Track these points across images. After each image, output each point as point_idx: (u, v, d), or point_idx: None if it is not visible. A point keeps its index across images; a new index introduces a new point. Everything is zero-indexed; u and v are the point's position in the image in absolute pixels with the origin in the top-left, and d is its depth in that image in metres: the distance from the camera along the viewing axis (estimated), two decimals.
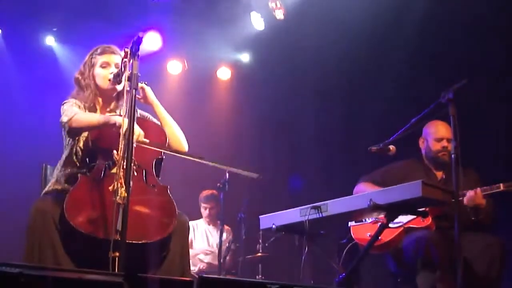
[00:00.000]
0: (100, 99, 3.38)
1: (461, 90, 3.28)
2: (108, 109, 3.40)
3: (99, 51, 3.38)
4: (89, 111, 3.32)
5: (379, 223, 3.90)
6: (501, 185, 3.79)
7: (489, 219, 3.93)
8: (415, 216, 3.87)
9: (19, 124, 6.36)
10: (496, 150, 5.50)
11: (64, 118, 3.12)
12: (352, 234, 4.14)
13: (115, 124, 3.02)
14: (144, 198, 3.02)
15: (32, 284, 1.96)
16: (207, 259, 6.26)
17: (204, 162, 3.15)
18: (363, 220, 4.09)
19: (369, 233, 3.99)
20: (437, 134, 4.22)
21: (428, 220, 3.92)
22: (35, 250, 2.86)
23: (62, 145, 3.32)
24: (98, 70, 3.33)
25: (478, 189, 3.84)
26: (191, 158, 3.12)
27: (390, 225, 3.84)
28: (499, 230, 4.09)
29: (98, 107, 3.37)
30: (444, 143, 4.16)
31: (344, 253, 4.11)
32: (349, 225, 4.16)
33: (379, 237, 3.58)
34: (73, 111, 3.14)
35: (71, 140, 3.24)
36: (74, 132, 3.18)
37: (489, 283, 3.67)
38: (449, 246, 3.68)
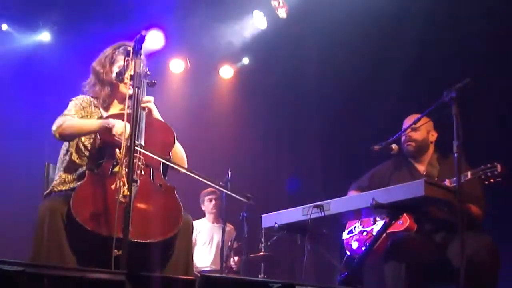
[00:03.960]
0: (114, 99, 3.36)
1: (464, 89, 3.26)
2: (121, 108, 3.36)
3: (121, 50, 3.33)
4: (103, 109, 3.33)
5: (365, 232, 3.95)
6: (469, 173, 3.58)
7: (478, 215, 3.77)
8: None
9: (21, 123, 6.35)
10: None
11: (53, 127, 3.12)
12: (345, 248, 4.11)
13: (110, 128, 3.00)
14: (151, 197, 3.01)
15: (35, 282, 1.97)
16: (211, 257, 6.26)
17: (202, 179, 3.13)
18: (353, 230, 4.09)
19: (358, 245, 3.99)
20: (403, 127, 4.13)
21: (406, 222, 3.80)
22: (42, 248, 2.84)
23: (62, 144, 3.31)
24: (117, 69, 3.28)
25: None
26: (190, 174, 3.12)
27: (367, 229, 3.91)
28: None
29: (111, 106, 3.37)
30: (408, 132, 4.03)
31: (346, 252, 4.10)
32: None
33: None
34: (64, 118, 3.13)
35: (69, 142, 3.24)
36: (66, 139, 3.19)
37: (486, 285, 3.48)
38: (429, 249, 3.67)
